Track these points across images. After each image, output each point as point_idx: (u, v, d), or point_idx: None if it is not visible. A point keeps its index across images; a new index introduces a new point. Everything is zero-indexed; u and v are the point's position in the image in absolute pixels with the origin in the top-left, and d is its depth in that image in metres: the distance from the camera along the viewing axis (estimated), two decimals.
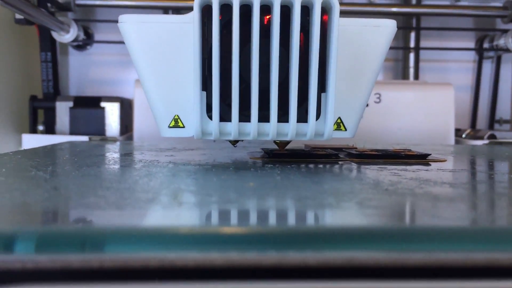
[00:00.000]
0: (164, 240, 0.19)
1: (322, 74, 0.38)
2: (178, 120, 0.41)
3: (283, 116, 0.38)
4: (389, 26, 0.40)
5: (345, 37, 0.39)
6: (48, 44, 0.84)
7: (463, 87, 1.05)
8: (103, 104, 0.82)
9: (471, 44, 1.03)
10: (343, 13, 0.40)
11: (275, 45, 0.36)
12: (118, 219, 0.22)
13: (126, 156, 0.50)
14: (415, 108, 0.82)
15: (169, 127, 0.41)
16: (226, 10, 0.37)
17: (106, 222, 0.22)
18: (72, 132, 0.83)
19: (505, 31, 0.95)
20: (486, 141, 0.80)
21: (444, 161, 0.48)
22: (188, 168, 0.38)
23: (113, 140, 0.72)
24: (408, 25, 0.96)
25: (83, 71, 0.96)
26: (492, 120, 1.03)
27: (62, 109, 0.83)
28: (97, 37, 0.95)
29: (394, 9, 0.90)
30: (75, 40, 0.86)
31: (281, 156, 0.48)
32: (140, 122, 0.80)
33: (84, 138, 0.75)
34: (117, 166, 0.40)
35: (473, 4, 0.99)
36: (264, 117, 0.38)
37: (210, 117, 0.38)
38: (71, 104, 0.83)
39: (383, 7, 0.90)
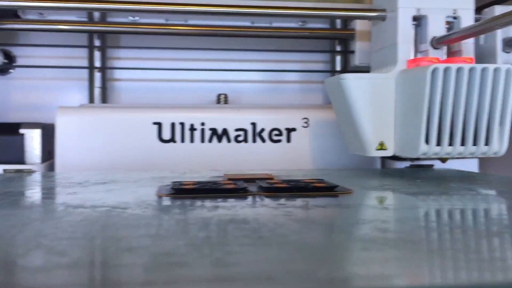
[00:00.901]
0: None
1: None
2: (383, 144, 0.61)
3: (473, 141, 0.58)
4: None
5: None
6: None
7: None
8: (22, 130, 0.79)
9: None
10: None
11: (474, 97, 0.56)
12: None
13: (26, 194, 0.48)
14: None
15: (376, 149, 0.61)
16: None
17: None
18: None
19: None
20: (408, 163, 0.81)
21: (351, 192, 0.49)
22: (78, 212, 0.36)
23: (29, 171, 0.69)
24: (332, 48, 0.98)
25: (5, 96, 0.92)
26: None
27: None
28: (20, 61, 0.91)
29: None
30: None
31: (188, 191, 0.47)
32: (63, 149, 0.77)
33: (0, 167, 0.72)
34: (5, 211, 0.38)
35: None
36: (460, 141, 0.57)
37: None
38: None
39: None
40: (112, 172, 0.68)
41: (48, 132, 0.83)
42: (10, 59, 0.90)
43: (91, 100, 0.88)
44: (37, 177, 0.63)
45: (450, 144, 0.57)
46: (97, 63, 0.87)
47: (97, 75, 0.87)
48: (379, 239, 0.29)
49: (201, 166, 0.79)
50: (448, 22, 0.68)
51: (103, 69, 0.88)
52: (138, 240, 0.28)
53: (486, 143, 0.58)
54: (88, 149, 0.77)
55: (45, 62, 0.90)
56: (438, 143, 0.57)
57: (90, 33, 0.86)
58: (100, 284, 0.21)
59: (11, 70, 0.92)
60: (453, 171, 0.74)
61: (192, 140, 0.80)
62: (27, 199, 0.44)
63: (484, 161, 0.92)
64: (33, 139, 0.80)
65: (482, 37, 0.74)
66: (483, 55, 0.72)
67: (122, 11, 0.76)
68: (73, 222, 0.32)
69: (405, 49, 0.66)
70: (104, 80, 0.88)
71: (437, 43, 0.66)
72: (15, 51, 0.92)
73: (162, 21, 0.92)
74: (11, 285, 0.20)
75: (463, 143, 0.57)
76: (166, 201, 0.42)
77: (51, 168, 0.82)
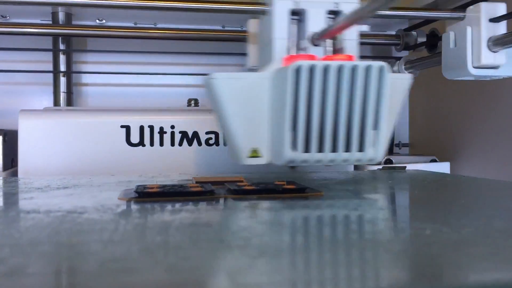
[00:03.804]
0: None
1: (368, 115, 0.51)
2: (256, 151, 0.54)
3: (345, 147, 0.51)
4: (408, 78, 0.57)
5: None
6: None
7: None
8: None
9: None
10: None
11: (344, 99, 0.50)
12: None
13: None
14: None
15: (248, 157, 0.54)
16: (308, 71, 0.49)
17: None
18: None
19: (398, 59, 0.99)
20: (380, 166, 0.81)
21: (321, 194, 0.48)
22: (29, 217, 0.34)
23: None
24: None
25: None
26: (392, 144, 1.06)
27: None
28: None
29: None
30: None
31: (152, 195, 0.45)
32: (26, 154, 0.74)
33: None
34: None
35: (371, 32, 1.02)
36: (330, 147, 0.51)
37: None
38: None
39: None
40: (77, 177, 0.66)
41: (11, 140, 0.80)
42: None
43: (56, 105, 0.85)
44: None
45: (321, 150, 0.51)
46: (63, 67, 0.84)
47: (62, 80, 0.85)
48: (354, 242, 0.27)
49: (171, 170, 0.77)
50: (332, 15, 0.60)
51: (69, 73, 0.85)
52: (87, 246, 0.26)
53: (360, 149, 0.52)
54: (54, 154, 0.75)
55: (8, 67, 0.87)
56: (307, 150, 0.51)
57: (55, 36, 0.84)
58: None
59: None
60: (424, 172, 0.74)
61: (161, 144, 0.78)
62: None
63: (454, 163, 0.92)
64: None
65: (452, 40, 0.73)
66: (455, 60, 0.70)
67: (86, 7, 0.74)
68: (22, 228, 0.30)
69: (281, 46, 0.58)
70: (69, 84, 0.85)
71: (314, 39, 0.59)
72: None
73: (130, 24, 0.90)
74: None
75: (334, 149, 0.51)
76: (127, 205, 0.40)
77: (13, 176, 0.78)
